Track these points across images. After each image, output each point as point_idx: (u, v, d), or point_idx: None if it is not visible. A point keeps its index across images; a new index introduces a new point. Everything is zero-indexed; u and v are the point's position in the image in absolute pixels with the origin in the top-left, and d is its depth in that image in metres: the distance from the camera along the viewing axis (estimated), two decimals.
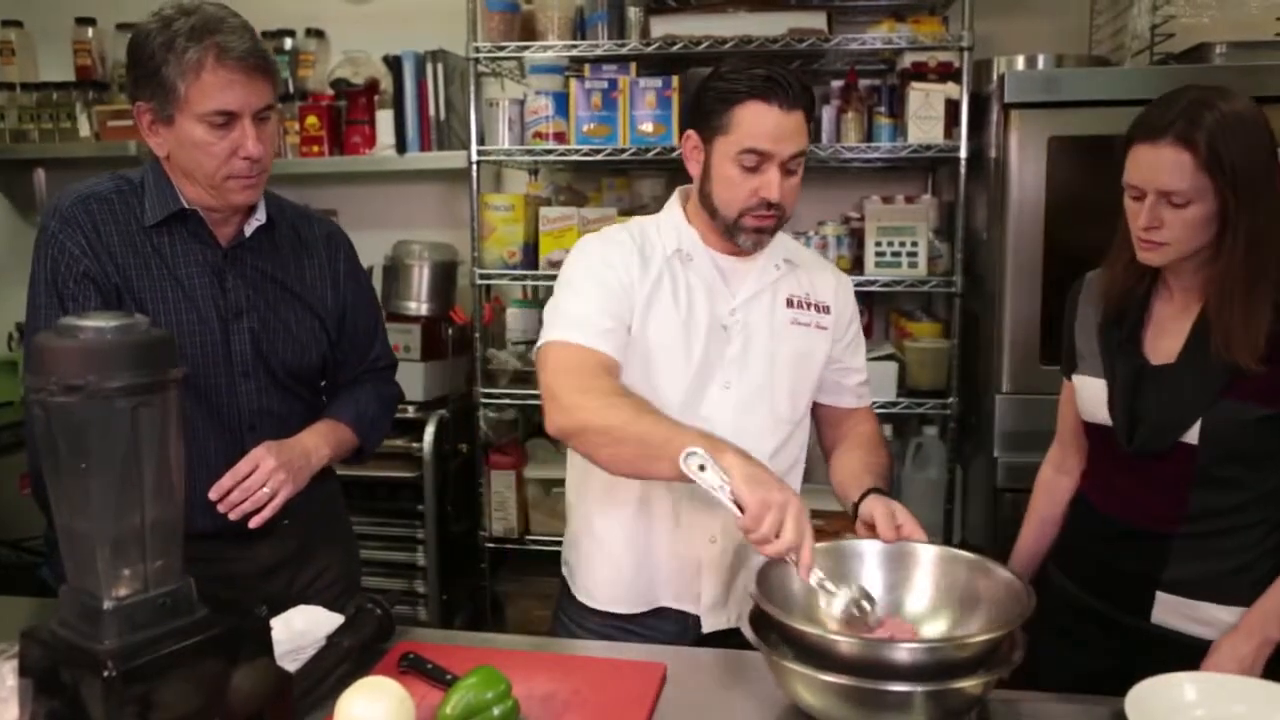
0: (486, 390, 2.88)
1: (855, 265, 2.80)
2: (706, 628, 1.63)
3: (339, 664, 1.36)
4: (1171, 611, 1.51)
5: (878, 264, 2.73)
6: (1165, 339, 1.53)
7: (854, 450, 1.68)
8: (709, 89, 1.53)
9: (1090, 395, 1.59)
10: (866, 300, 3.07)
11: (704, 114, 1.54)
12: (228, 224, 1.60)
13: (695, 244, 1.60)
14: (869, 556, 1.43)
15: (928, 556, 1.42)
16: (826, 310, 1.67)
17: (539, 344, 1.55)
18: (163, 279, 1.55)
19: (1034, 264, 2.37)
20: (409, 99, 3.06)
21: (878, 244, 2.73)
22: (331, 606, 1.51)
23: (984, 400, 2.52)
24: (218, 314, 1.58)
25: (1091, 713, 1.31)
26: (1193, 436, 1.46)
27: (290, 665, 1.31)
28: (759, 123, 1.48)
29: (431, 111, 3.05)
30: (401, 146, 3.07)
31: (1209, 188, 1.39)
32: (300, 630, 1.41)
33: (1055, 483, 1.75)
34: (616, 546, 1.63)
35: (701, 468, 1.29)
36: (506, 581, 3.00)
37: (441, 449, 2.88)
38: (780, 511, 1.27)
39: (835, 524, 1.93)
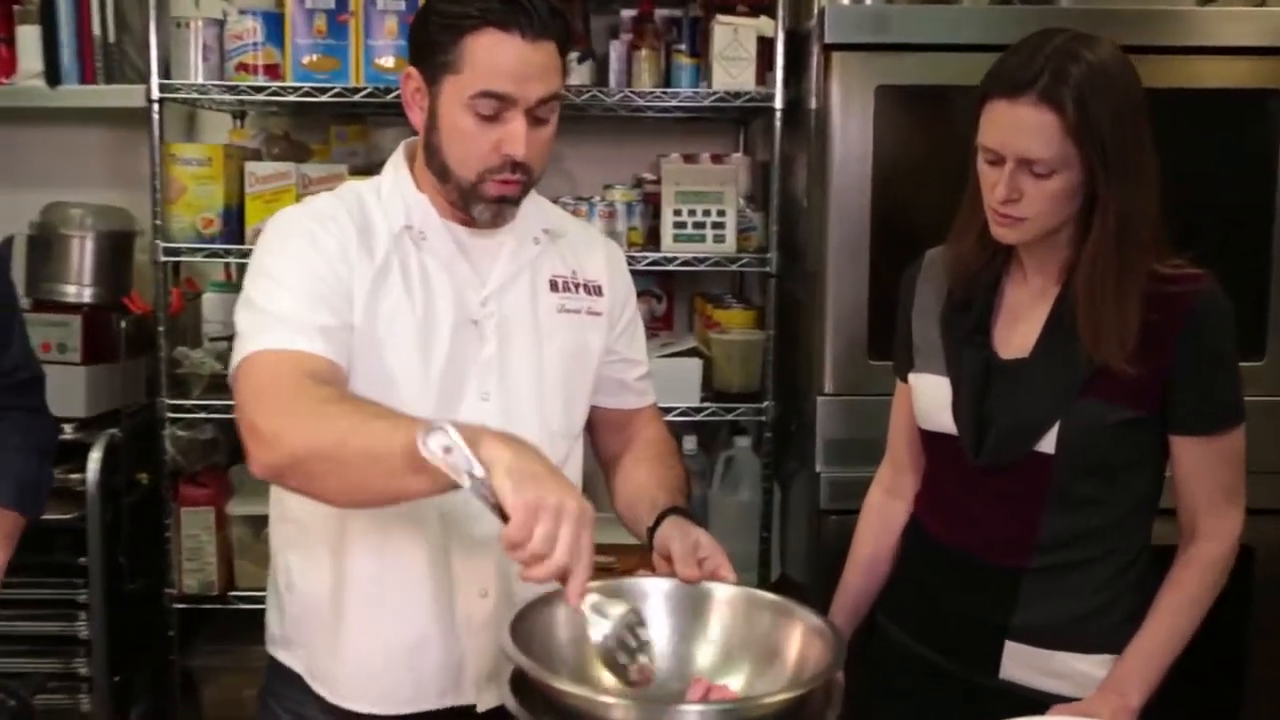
0: (174, 402, 2.74)
1: (650, 239, 2.84)
2: (481, 706, 1.57)
3: None
4: (1022, 664, 1.57)
5: (677, 238, 2.76)
6: (1018, 329, 1.59)
7: (643, 462, 1.70)
8: (432, 13, 1.47)
9: (930, 397, 1.63)
10: (664, 283, 3.12)
11: (428, 46, 1.48)
12: None
13: (428, 216, 1.56)
14: (654, 598, 1.44)
15: (723, 598, 1.44)
16: (599, 292, 1.67)
17: (236, 360, 1.44)
18: None
19: (860, 237, 2.43)
20: (64, 13, 2.90)
21: (677, 212, 2.76)
22: None
23: (804, 404, 2.59)
24: None
25: None
26: (1048, 444, 1.52)
27: None
28: (497, 57, 1.44)
29: (96, 31, 2.92)
30: (54, 76, 2.91)
31: (1075, 156, 1.44)
32: None
33: (886, 509, 1.78)
34: (360, 624, 1.56)
35: (447, 450, 1.18)
36: (203, 654, 2.88)
37: (112, 481, 2.72)
38: (554, 519, 1.18)
39: (627, 562, 1.92)
